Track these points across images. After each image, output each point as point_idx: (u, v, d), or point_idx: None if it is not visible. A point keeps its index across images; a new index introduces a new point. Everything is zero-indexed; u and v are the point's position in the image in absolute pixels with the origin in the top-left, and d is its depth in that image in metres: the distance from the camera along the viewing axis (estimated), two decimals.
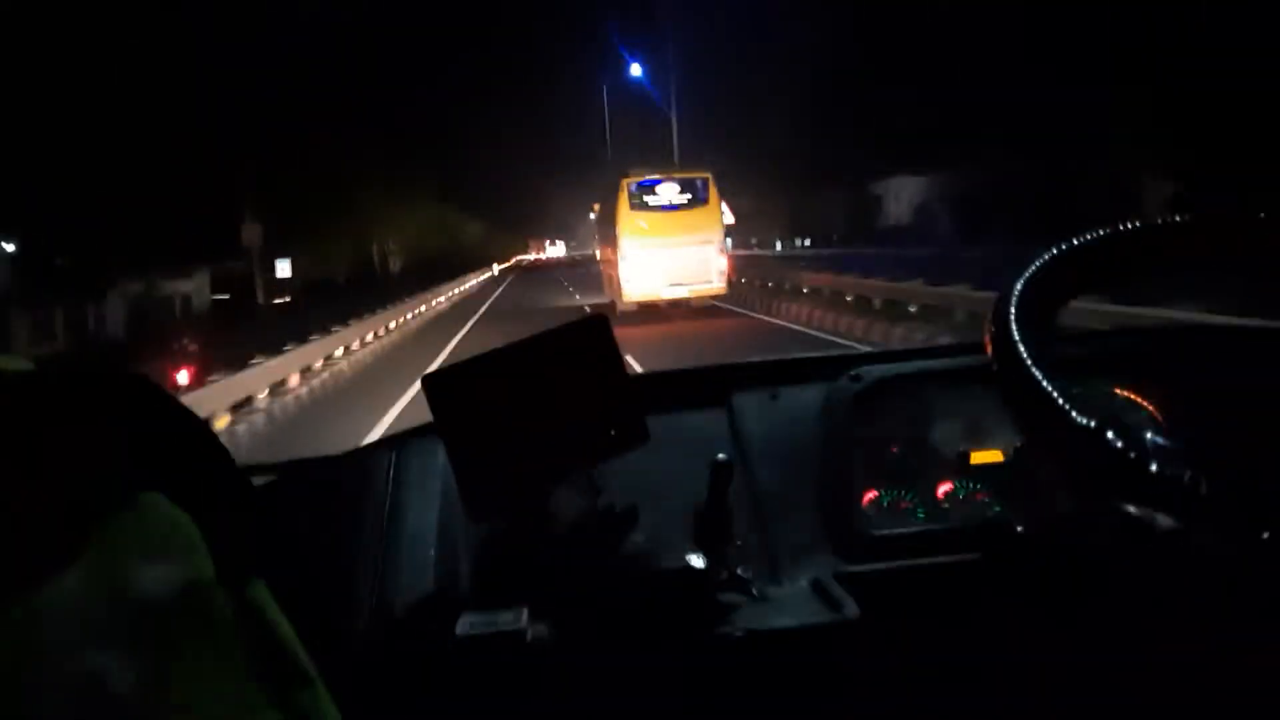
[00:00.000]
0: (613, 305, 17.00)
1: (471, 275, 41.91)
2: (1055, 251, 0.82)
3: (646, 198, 16.97)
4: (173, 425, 0.55)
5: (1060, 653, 1.00)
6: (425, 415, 1.03)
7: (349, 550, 1.08)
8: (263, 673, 0.49)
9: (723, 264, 17.06)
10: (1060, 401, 0.68)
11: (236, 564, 0.50)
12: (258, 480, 1.16)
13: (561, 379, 1.04)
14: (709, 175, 17.33)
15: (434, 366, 1.00)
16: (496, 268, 56.24)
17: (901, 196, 39.26)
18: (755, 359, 1.35)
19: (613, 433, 1.05)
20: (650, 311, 16.39)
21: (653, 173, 17.35)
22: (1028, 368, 0.71)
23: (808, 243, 53.03)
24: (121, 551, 0.46)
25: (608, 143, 45.57)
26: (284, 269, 27.05)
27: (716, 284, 17.08)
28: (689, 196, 17.00)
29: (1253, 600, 0.67)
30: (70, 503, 0.45)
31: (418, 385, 1.03)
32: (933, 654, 1.04)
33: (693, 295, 17.03)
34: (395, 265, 45.55)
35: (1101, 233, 0.85)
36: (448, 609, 0.96)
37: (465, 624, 0.93)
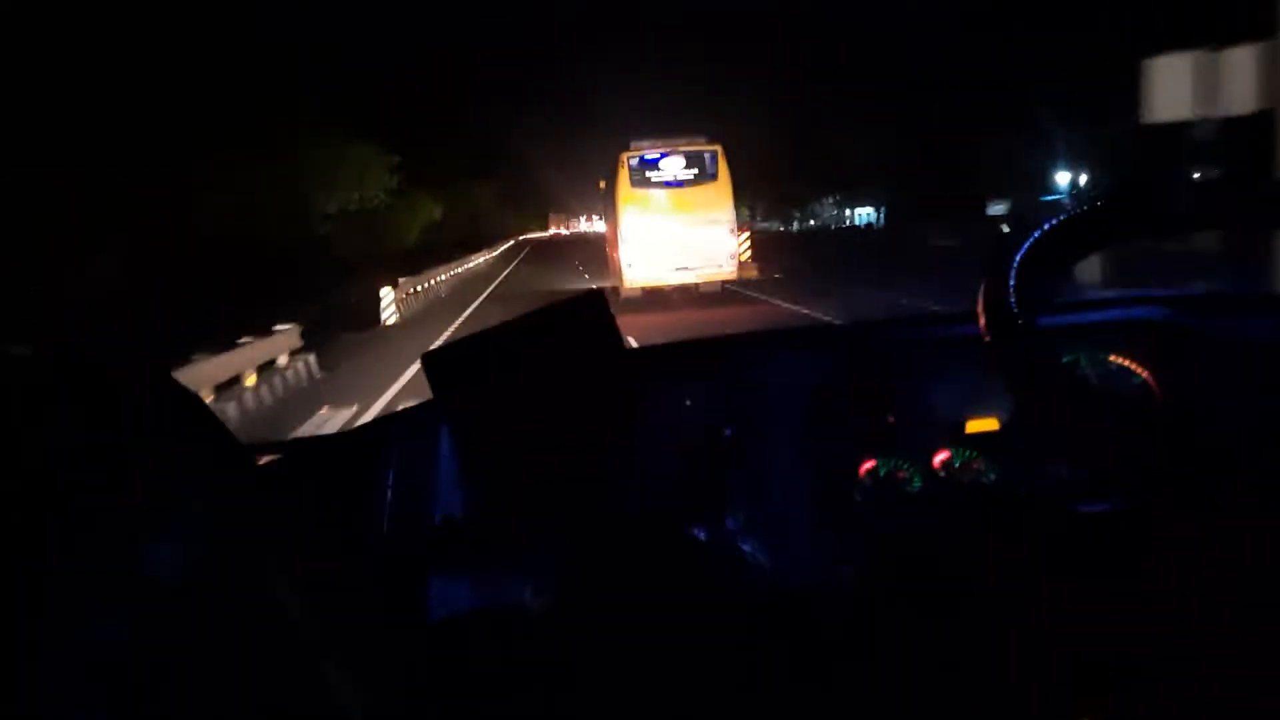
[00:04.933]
0: (615, 291, 16.76)
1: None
2: (1049, 223, 0.91)
3: (649, 173, 16.84)
4: (172, 402, 0.65)
5: (1058, 613, 1.09)
6: None
7: (353, 526, 1.18)
8: None
9: (733, 245, 16.95)
10: (1055, 369, 0.76)
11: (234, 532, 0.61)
12: (264, 459, 1.26)
13: (560, 353, 1.14)
14: (718, 148, 17.16)
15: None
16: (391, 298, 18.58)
17: None
18: (750, 330, 1.44)
19: (610, 407, 1.14)
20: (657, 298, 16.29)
21: (656, 145, 17.18)
22: (1022, 336, 0.80)
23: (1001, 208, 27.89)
24: None
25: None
26: None
27: (727, 268, 16.99)
28: (696, 171, 16.89)
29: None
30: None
31: None
32: (931, 619, 1.14)
33: (701, 280, 16.97)
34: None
35: (1097, 204, 0.94)
36: (449, 584, 1.06)
37: (465, 598, 1.03)
